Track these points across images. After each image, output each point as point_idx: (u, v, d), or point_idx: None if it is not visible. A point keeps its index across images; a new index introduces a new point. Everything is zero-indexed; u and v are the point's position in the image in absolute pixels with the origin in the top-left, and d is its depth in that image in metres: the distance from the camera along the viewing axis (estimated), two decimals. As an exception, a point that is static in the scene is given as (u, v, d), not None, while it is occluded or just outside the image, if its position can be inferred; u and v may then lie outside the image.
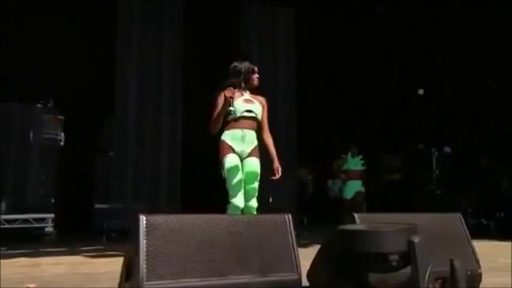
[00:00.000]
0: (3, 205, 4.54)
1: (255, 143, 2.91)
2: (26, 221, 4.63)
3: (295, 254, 1.78)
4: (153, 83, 5.55)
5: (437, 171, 6.44)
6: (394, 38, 6.74)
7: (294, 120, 6.12)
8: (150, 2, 5.54)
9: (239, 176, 2.80)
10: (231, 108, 2.80)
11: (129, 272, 1.72)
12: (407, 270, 1.40)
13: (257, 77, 3.03)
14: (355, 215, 2.01)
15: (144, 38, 5.46)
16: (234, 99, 2.85)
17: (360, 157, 5.95)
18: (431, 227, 1.95)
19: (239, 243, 1.71)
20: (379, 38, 6.88)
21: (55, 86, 5.46)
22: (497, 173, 5.68)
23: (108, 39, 5.34)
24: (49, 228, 4.72)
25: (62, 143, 5.21)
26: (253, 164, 2.87)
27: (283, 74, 6.11)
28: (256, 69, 3.08)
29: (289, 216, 1.86)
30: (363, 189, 5.91)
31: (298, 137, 6.16)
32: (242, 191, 2.81)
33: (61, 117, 5.19)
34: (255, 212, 2.85)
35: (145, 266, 1.56)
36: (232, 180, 2.78)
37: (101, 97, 5.50)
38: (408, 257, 1.35)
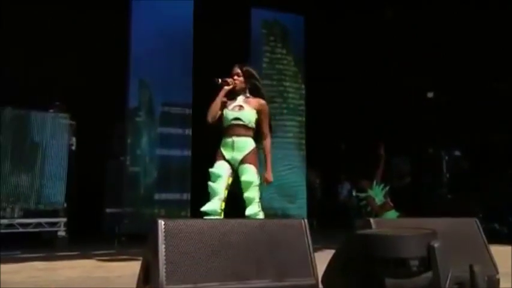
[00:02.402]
0: (17, 209, 4.60)
1: (249, 149, 2.89)
2: (39, 225, 4.69)
3: (311, 258, 1.79)
4: (164, 88, 5.60)
5: (447, 175, 6.40)
6: (403, 41, 6.74)
7: (303, 124, 6.14)
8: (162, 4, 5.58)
9: (219, 182, 2.84)
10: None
11: (147, 276, 1.74)
12: (427, 275, 1.40)
13: (237, 79, 3.01)
14: (371, 220, 2.01)
15: (157, 41, 5.50)
16: (226, 106, 2.94)
17: (382, 186, 5.76)
18: (447, 232, 1.95)
19: (256, 248, 1.72)
20: (388, 42, 6.88)
21: (67, 92, 5.52)
22: (510, 177, 5.62)
23: (119, 43, 5.40)
24: (61, 232, 4.77)
25: (73, 148, 5.28)
26: (247, 172, 2.88)
27: (292, 79, 6.14)
28: (235, 71, 3.05)
29: (305, 221, 1.88)
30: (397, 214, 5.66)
31: (307, 141, 6.18)
32: (220, 197, 2.83)
33: (73, 122, 5.26)
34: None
35: (164, 269, 1.58)
36: (210, 185, 2.85)
37: (112, 102, 5.56)
38: (428, 262, 1.35)
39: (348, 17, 6.76)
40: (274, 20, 6.05)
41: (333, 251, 1.91)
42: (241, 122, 2.91)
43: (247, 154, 2.89)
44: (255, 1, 5.96)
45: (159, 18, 5.51)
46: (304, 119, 6.16)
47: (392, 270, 1.42)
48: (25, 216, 4.63)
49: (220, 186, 2.84)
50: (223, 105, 3.01)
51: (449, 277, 1.30)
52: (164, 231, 1.65)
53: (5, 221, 4.47)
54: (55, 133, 5.04)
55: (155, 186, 5.48)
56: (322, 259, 1.92)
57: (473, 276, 1.41)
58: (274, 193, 5.82)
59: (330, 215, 7.11)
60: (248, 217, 2.83)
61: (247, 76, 3.05)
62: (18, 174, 4.71)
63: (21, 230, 4.54)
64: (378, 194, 5.59)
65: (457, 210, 5.23)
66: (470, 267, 1.43)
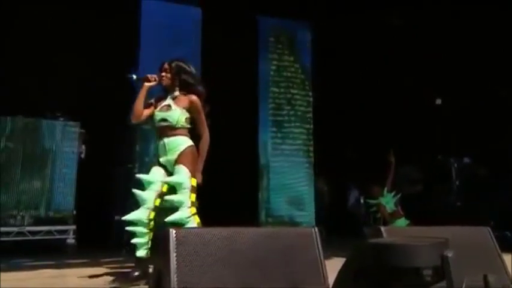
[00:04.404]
0: (27, 217, 4.63)
1: (181, 148, 2.77)
2: (48, 232, 4.72)
3: (323, 267, 1.78)
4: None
5: (457, 183, 6.33)
6: (412, 47, 6.72)
7: (310, 131, 6.14)
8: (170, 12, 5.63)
9: (149, 189, 2.73)
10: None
11: (158, 284, 1.74)
12: (440, 285, 1.38)
13: (164, 75, 2.86)
14: (382, 228, 2.00)
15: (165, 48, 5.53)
16: (156, 106, 2.83)
17: (393, 194, 5.71)
18: (460, 241, 1.93)
19: (267, 256, 1.72)
20: (396, 48, 6.87)
21: (76, 100, 5.58)
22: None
23: (128, 49, 5.45)
24: (70, 240, 4.80)
25: (82, 156, 5.32)
26: (176, 173, 2.74)
27: (300, 86, 6.15)
28: (164, 67, 2.90)
29: (316, 229, 1.87)
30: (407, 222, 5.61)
31: (314, 148, 6.18)
32: (149, 206, 2.71)
33: (82, 130, 5.31)
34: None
35: (176, 278, 1.58)
36: (137, 193, 2.74)
37: (121, 110, 5.59)
38: (441, 271, 1.34)
39: (356, 24, 6.77)
40: (281, 28, 6.08)
41: (342, 259, 1.89)
42: (168, 123, 2.79)
43: (181, 154, 2.75)
44: (262, 9, 6.00)
45: (168, 25, 5.56)
46: (311, 126, 6.16)
47: (404, 279, 1.40)
48: (35, 223, 4.66)
49: (149, 194, 2.71)
50: (152, 105, 2.87)
51: (463, 287, 1.29)
52: (175, 240, 1.65)
53: (15, 229, 4.50)
54: (65, 141, 5.09)
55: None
56: (332, 267, 1.91)
57: (488, 286, 1.39)
58: (282, 200, 5.81)
59: (337, 223, 7.06)
60: (176, 223, 2.66)
61: (176, 72, 2.87)
62: (29, 181, 4.76)
63: (31, 237, 4.58)
64: (388, 201, 5.56)
65: (467, 218, 5.16)
66: (485, 277, 1.41)
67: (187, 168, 2.73)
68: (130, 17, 5.51)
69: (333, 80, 6.75)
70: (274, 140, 5.95)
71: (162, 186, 2.76)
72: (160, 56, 5.61)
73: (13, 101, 4.97)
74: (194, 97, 2.85)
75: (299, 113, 6.10)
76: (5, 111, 4.81)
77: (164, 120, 2.81)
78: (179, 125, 2.80)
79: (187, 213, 2.72)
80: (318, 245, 1.81)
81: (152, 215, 2.74)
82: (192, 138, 2.92)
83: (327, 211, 7.67)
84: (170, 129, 2.80)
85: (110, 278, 2.98)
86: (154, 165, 2.84)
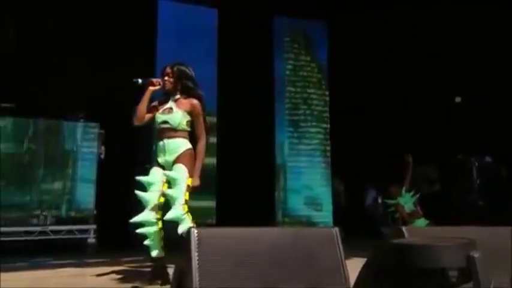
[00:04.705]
0: (49, 217, 4.73)
1: (181, 150, 2.83)
2: (69, 232, 4.81)
3: (344, 268, 1.77)
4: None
5: (478, 182, 6.22)
6: (429, 44, 6.62)
7: (327, 131, 6.11)
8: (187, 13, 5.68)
9: (151, 190, 2.78)
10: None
11: (180, 283, 1.76)
12: (467, 286, 1.36)
13: (166, 80, 2.94)
14: (403, 228, 1.98)
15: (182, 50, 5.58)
16: (158, 108, 2.90)
17: (411, 194, 5.64)
18: (484, 241, 1.89)
19: (289, 256, 1.72)
20: (413, 45, 6.78)
21: (95, 101, 5.67)
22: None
23: (145, 51, 5.51)
24: (91, 239, 4.88)
25: (102, 156, 5.40)
26: (174, 170, 2.78)
27: (316, 86, 6.13)
28: (166, 71, 2.98)
29: (337, 229, 1.86)
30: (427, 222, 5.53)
31: (331, 147, 6.15)
32: (153, 206, 2.76)
33: (102, 131, 5.39)
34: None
35: (198, 277, 1.59)
36: (140, 195, 2.81)
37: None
38: (468, 272, 1.32)
39: (372, 22, 6.70)
40: (297, 27, 6.07)
41: (360, 259, 1.88)
42: (169, 126, 2.86)
43: (180, 155, 2.81)
44: (278, 9, 6.00)
45: (185, 26, 5.61)
46: (328, 125, 6.13)
47: (429, 280, 1.39)
48: (57, 223, 4.76)
49: (152, 195, 2.77)
50: (155, 108, 2.95)
51: (491, 288, 1.27)
52: (197, 240, 1.66)
53: (38, 228, 4.61)
54: (85, 142, 5.18)
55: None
56: (351, 268, 1.90)
57: (515, 287, 1.36)
58: (299, 201, 5.80)
59: (354, 223, 7.00)
60: (170, 221, 2.72)
61: (178, 76, 2.95)
62: (51, 182, 4.86)
63: (53, 236, 4.68)
64: (407, 201, 5.49)
65: (488, 217, 5.07)
66: (512, 279, 1.38)
67: (186, 167, 2.78)
68: (148, 18, 5.57)
69: (350, 79, 6.70)
70: (290, 139, 5.94)
71: (163, 185, 2.81)
72: (177, 56, 5.67)
73: (35, 103, 5.08)
74: (195, 101, 2.92)
75: (315, 113, 6.08)
76: (27, 113, 4.93)
77: (165, 122, 2.88)
78: (180, 128, 2.87)
79: (181, 210, 2.75)
80: (339, 245, 1.81)
81: (159, 214, 2.79)
82: (190, 141, 2.97)
83: (343, 211, 7.62)
84: (171, 131, 2.88)
85: (130, 277, 3.02)
86: (153, 166, 2.90)
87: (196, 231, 1.68)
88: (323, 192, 5.93)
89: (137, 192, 2.81)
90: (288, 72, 6.00)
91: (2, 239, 4.36)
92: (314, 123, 6.03)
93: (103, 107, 5.53)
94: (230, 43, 5.79)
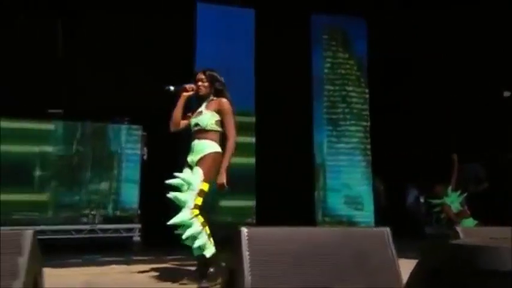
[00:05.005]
0: (98, 216, 4.94)
1: (204, 152, 2.85)
2: (116, 230, 5.00)
3: (397, 269, 1.73)
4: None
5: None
6: (473, 37, 6.35)
7: (367, 129, 6.00)
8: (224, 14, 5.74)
9: (184, 193, 2.78)
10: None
11: (231, 283, 1.78)
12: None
13: (201, 85, 2.99)
14: (458, 229, 1.92)
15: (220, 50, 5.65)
16: (192, 114, 2.99)
17: (458, 193, 5.44)
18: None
19: (340, 256, 1.71)
20: (456, 38, 6.52)
21: (138, 105, 5.84)
22: None
23: (185, 56, 5.63)
24: (136, 238, 5.05)
25: (145, 158, 5.57)
26: (193, 173, 2.82)
27: (355, 83, 6.03)
28: (199, 77, 3.02)
29: (388, 230, 1.83)
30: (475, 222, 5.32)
31: (371, 145, 6.03)
32: (189, 205, 2.76)
33: (144, 133, 5.56)
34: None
35: (250, 277, 1.61)
36: (174, 196, 2.82)
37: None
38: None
39: (411, 17, 6.51)
40: (335, 25, 5.99)
41: (408, 261, 1.83)
42: (199, 127, 2.92)
43: (202, 157, 2.84)
44: (316, 7, 5.94)
45: (222, 28, 5.68)
46: (368, 123, 6.01)
47: (489, 282, 1.33)
48: (104, 222, 4.96)
49: (187, 195, 2.78)
50: (190, 115, 3.02)
51: (561, 293, 1.20)
52: (247, 239, 1.68)
53: (87, 227, 4.82)
54: (129, 144, 5.36)
55: (220, 194, 5.59)
56: (401, 269, 1.85)
57: None
58: (339, 200, 5.73)
59: (395, 223, 6.82)
60: (176, 226, 2.75)
61: (211, 80, 3.01)
62: (98, 182, 5.07)
63: (101, 235, 4.88)
64: (454, 201, 5.29)
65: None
66: None
67: (203, 171, 2.80)
68: (187, 21, 5.68)
69: (390, 76, 6.54)
70: (329, 138, 5.88)
71: (199, 185, 2.80)
72: (216, 57, 5.77)
73: (82, 107, 5.30)
74: (224, 100, 2.97)
75: (355, 111, 5.98)
76: (75, 117, 5.15)
77: (196, 124, 2.96)
78: (209, 128, 2.92)
79: (189, 215, 2.75)
80: (390, 245, 1.77)
81: (195, 212, 2.79)
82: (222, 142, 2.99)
83: (383, 211, 7.46)
84: (201, 133, 2.94)
85: (177, 275, 3.10)
86: (185, 166, 2.99)
87: (246, 230, 1.70)
88: (364, 191, 5.82)
89: (171, 194, 2.85)
90: (326, 70, 5.93)
91: (55, 236, 4.60)
92: (353, 122, 5.93)
93: (145, 109, 5.69)
94: (268, 43, 5.79)
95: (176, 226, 2.85)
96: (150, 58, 5.90)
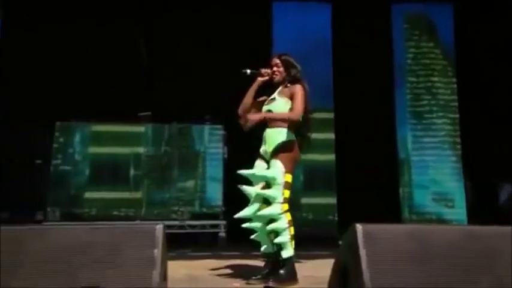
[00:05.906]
0: (186, 212, 5.18)
1: (278, 141, 2.66)
2: (203, 226, 5.20)
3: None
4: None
5: None
6: None
7: (456, 121, 5.63)
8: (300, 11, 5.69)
9: (254, 187, 2.69)
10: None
11: (344, 280, 1.75)
12: None
13: (276, 70, 2.80)
14: None
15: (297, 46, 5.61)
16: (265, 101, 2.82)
17: None
18: None
19: (467, 256, 1.60)
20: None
21: (218, 105, 6.00)
22: None
23: (263, 53, 5.66)
24: (222, 234, 5.21)
25: (225, 156, 5.73)
26: (270, 167, 2.67)
27: (441, 73, 5.68)
28: (274, 62, 2.83)
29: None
30: None
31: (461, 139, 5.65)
32: (251, 201, 2.69)
33: (225, 132, 5.72)
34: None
35: (368, 275, 1.57)
36: (243, 189, 2.75)
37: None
38: None
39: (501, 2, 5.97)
40: (418, 13, 5.69)
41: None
42: None
43: (276, 147, 2.65)
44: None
45: (299, 23, 5.65)
46: (457, 115, 5.63)
47: None
48: (192, 218, 5.19)
49: (273, 191, 2.63)
50: (263, 101, 2.86)
51: None
52: (363, 236, 1.64)
53: (177, 223, 5.07)
54: (211, 143, 5.55)
55: (301, 191, 5.59)
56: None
57: None
58: (427, 197, 5.44)
59: (486, 221, 6.34)
60: (260, 217, 2.65)
61: (287, 66, 2.81)
62: (185, 180, 5.32)
63: (189, 230, 5.10)
64: None
65: None
66: None
67: (283, 163, 2.64)
68: (264, 19, 5.72)
69: (481, 65, 6.05)
70: (414, 132, 5.60)
71: (283, 177, 2.65)
72: (293, 54, 5.73)
73: (168, 110, 5.57)
74: (298, 85, 2.76)
75: (441, 102, 5.63)
76: (163, 119, 5.43)
77: (269, 111, 2.79)
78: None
79: (279, 209, 2.61)
80: (518, 245, 1.63)
81: (285, 207, 2.66)
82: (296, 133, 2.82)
83: (473, 208, 6.97)
84: (273, 121, 2.76)
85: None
86: (258, 158, 2.85)
87: (361, 227, 1.65)
88: (454, 187, 5.47)
89: (241, 186, 2.78)
90: (408, 61, 5.66)
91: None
92: (440, 114, 5.60)
93: (225, 109, 5.83)
94: (345, 36, 5.66)
95: (244, 220, 2.82)
96: (229, 56, 6.03)
